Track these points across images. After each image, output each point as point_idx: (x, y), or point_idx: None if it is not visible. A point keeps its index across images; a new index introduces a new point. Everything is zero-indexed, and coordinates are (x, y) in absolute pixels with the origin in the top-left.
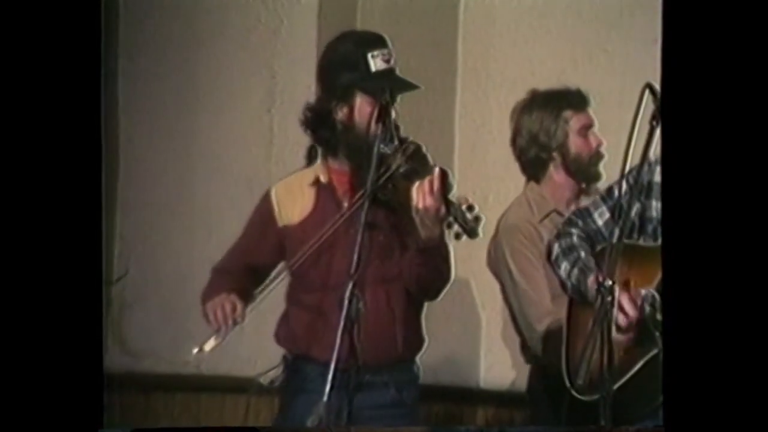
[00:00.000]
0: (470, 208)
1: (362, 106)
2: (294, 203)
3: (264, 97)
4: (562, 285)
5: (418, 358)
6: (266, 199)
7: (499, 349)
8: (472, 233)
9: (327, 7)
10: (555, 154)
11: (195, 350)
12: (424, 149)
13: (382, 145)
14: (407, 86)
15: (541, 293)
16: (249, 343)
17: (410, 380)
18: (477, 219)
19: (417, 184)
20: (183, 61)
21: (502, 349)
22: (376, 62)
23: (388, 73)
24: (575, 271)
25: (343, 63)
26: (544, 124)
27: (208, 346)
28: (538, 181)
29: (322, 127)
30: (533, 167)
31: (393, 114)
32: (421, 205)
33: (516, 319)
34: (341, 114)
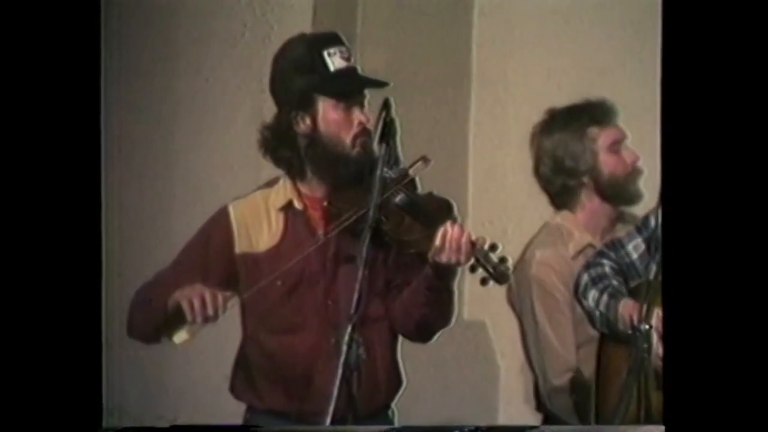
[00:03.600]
0: (493, 247)
1: (326, 112)
2: (259, 228)
3: (252, 113)
4: (590, 319)
5: (393, 403)
6: (223, 218)
7: (519, 400)
8: (501, 278)
9: (322, 12)
10: (585, 179)
11: (164, 339)
12: (416, 180)
13: (385, 169)
14: (373, 84)
15: (566, 344)
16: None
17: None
18: (503, 260)
19: (442, 229)
20: (159, 72)
21: (523, 401)
22: (334, 60)
23: (349, 72)
24: (604, 297)
25: (298, 67)
26: (569, 147)
27: (179, 338)
28: (571, 210)
29: (283, 147)
30: (562, 197)
31: (398, 132)
32: (448, 256)
33: (532, 366)
34: (303, 126)
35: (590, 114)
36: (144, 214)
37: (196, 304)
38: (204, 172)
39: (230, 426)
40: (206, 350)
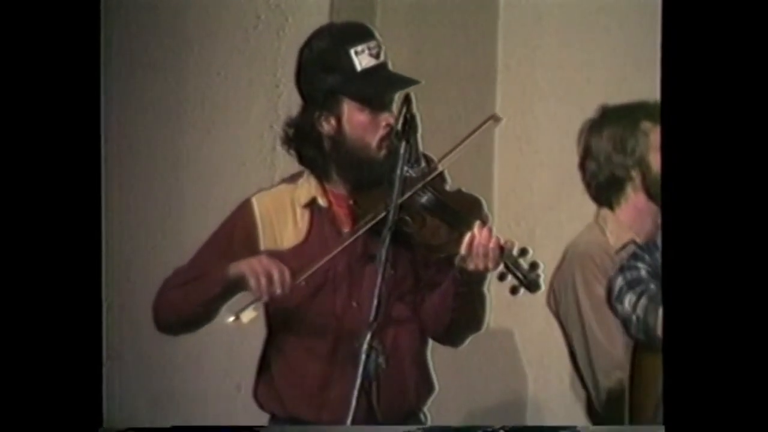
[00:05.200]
0: (523, 252)
1: (351, 115)
2: (284, 225)
3: (265, 110)
4: (625, 325)
5: (426, 408)
6: (248, 212)
7: (548, 412)
8: (532, 286)
9: (340, 3)
10: (633, 173)
11: (231, 319)
12: (446, 176)
13: (406, 167)
14: (404, 83)
15: (613, 339)
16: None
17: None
18: (534, 266)
19: (468, 235)
20: (168, 66)
21: (553, 413)
22: (361, 59)
23: (378, 71)
24: (643, 300)
25: (322, 64)
26: (620, 139)
27: (246, 317)
28: (612, 207)
29: (307, 145)
30: (607, 191)
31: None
32: (475, 263)
33: (580, 369)
34: (327, 126)
35: (645, 110)
36: (152, 215)
37: (263, 281)
38: (215, 172)
39: (230, 426)
40: (217, 356)
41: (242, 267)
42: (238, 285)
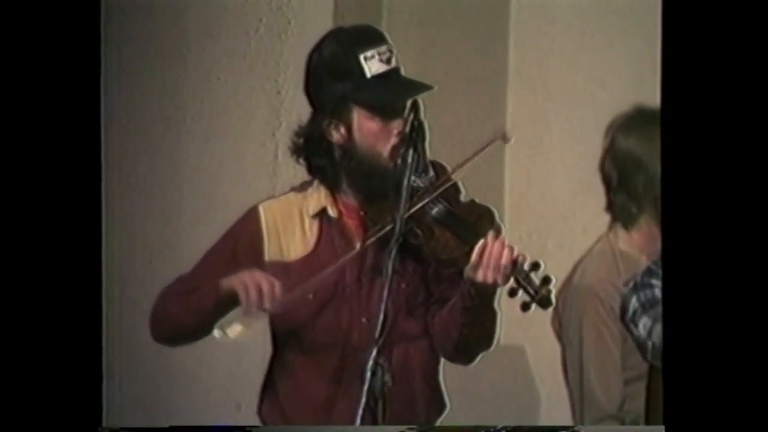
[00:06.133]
0: (535, 266)
1: (361, 123)
2: (292, 235)
3: (267, 117)
4: (641, 348)
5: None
6: (253, 220)
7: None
8: (544, 302)
9: (344, 6)
10: (647, 204)
11: (216, 332)
12: (460, 186)
13: (413, 177)
14: (416, 89)
15: (608, 390)
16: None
17: None
18: (546, 281)
19: (481, 243)
20: (166, 71)
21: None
22: (371, 65)
23: (389, 77)
24: (658, 327)
25: (331, 70)
26: (635, 166)
27: (233, 332)
28: (626, 226)
29: (317, 155)
30: (621, 213)
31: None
32: (484, 275)
33: (572, 397)
34: (337, 135)
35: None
36: (149, 226)
37: (252, 293)
38: (215, 181)
39: (228, 426)
40: (217, 372)
41: (233, 281)
42: (230, 299)
